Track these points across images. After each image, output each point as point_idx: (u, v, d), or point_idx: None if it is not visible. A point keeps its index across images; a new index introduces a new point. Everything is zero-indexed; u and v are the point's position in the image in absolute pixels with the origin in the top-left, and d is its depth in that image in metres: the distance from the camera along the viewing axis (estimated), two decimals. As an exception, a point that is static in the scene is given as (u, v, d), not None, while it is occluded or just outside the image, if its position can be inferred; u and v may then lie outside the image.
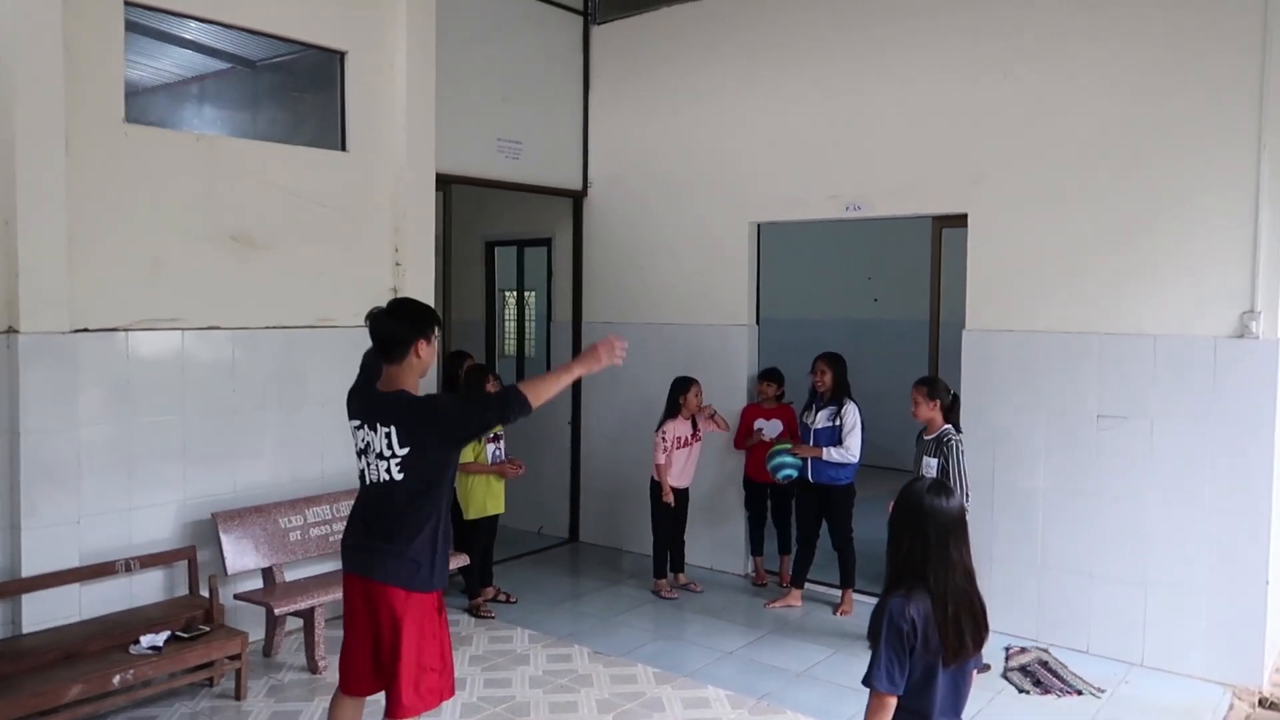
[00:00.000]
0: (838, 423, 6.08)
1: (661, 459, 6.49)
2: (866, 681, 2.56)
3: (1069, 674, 5.21)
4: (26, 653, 4.37)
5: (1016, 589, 5.71)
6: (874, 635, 2.60)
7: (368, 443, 3.45)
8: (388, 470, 3.38)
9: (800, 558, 6.36)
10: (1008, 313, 5.81)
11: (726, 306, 7.09)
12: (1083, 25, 5.51)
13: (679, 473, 6.59)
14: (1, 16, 4.38)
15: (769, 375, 6.85)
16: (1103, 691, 5.02)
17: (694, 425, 6.63)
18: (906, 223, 6.98)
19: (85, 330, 4.77)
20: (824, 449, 6.04)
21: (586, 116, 7.81)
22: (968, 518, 4.96)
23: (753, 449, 6.74)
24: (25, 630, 4.55)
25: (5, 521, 4.53)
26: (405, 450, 3.35)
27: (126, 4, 4.92)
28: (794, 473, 6.16)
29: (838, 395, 6.13)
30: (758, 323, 7.16)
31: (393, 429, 3.36)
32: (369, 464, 3.46)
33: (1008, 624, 5.66)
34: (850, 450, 6.03)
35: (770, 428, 6.67)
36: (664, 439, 6.49)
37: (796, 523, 6.46)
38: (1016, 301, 5.78)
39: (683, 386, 6.51)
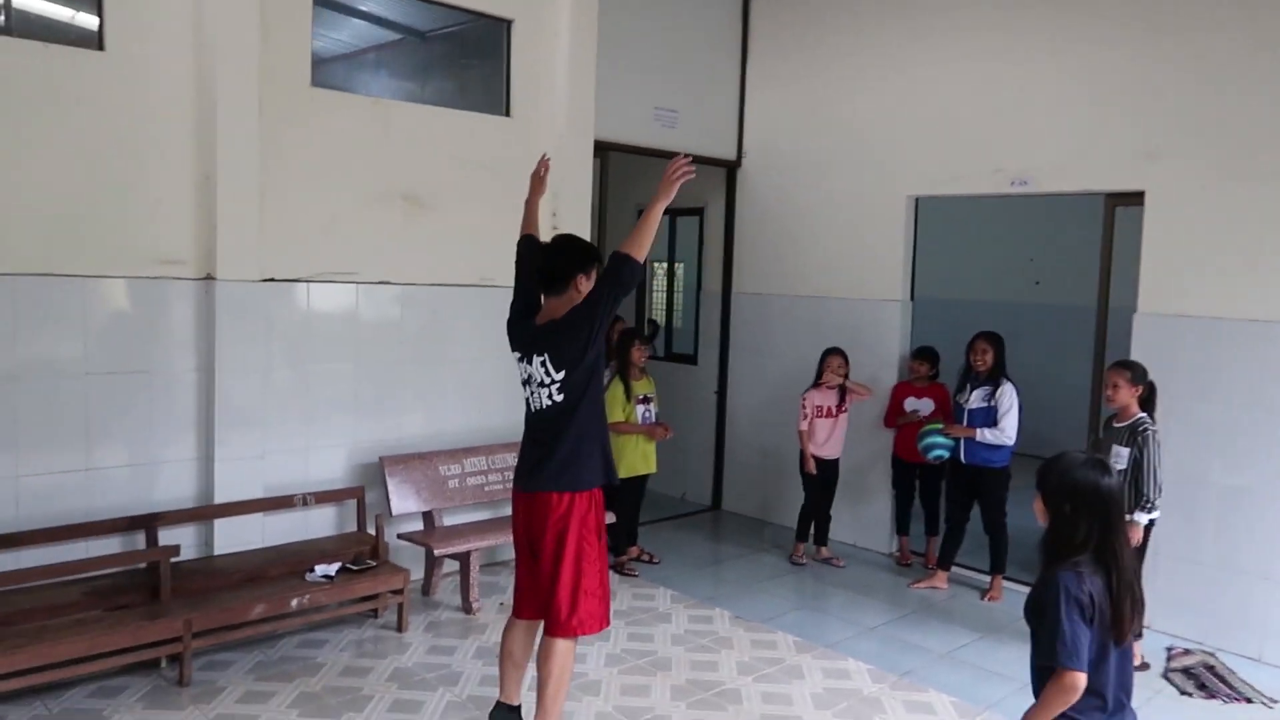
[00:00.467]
0: (993, 403, 5.88)
1: (803, 426, 6.52)
2: (1050, 660, 2.45)
3: (1237, 680, 4.90)
4: (217, 572, 4.80)
5: (1183, 588, 5.40)
6: (1041, 612, 2.51)
7: (529, 374, 3.64)
8: (549, 396, 3.58)
9: (948, 540, 6.21)
10: (1185, 298, 5.47)
11: (881, 282, 6.95)
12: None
13: (823, 443, 6.57)
14: (210, -11, 4.74)
15: (922, 353, 6.69)
16: (1275, 702, 4.71)
17: (840, 397, 6.56)
18: (1073, 202, 6.66)
19: (272, 280, 5.14)
20: (978, 430, 5.86)
21: (743, 87, 7.77)
22: (1157, 515, 4.72)
23: (902, 428, 6.61)
24: (216, 552, 4.98)
25: (202, 453, 4.96)
26: (560, 374, 3.53)
27: (318, -25, 5.24)
28: (945, 453, 6.01)
29: (995, 375, 5.93)
30: (912, 299, 6.98)
31: (547, 356, 3.55)
32: (532, 393, 3.65)
33: (1172, 624, 5.37)
34: (1006, 432, 5.83)
35: (923, 406, 6.53)
36: (804, 406, 6.52)
37: (946, 504, 6.30)
38: (1195, 286, 5.43)
39: (824, 356, 6.54)
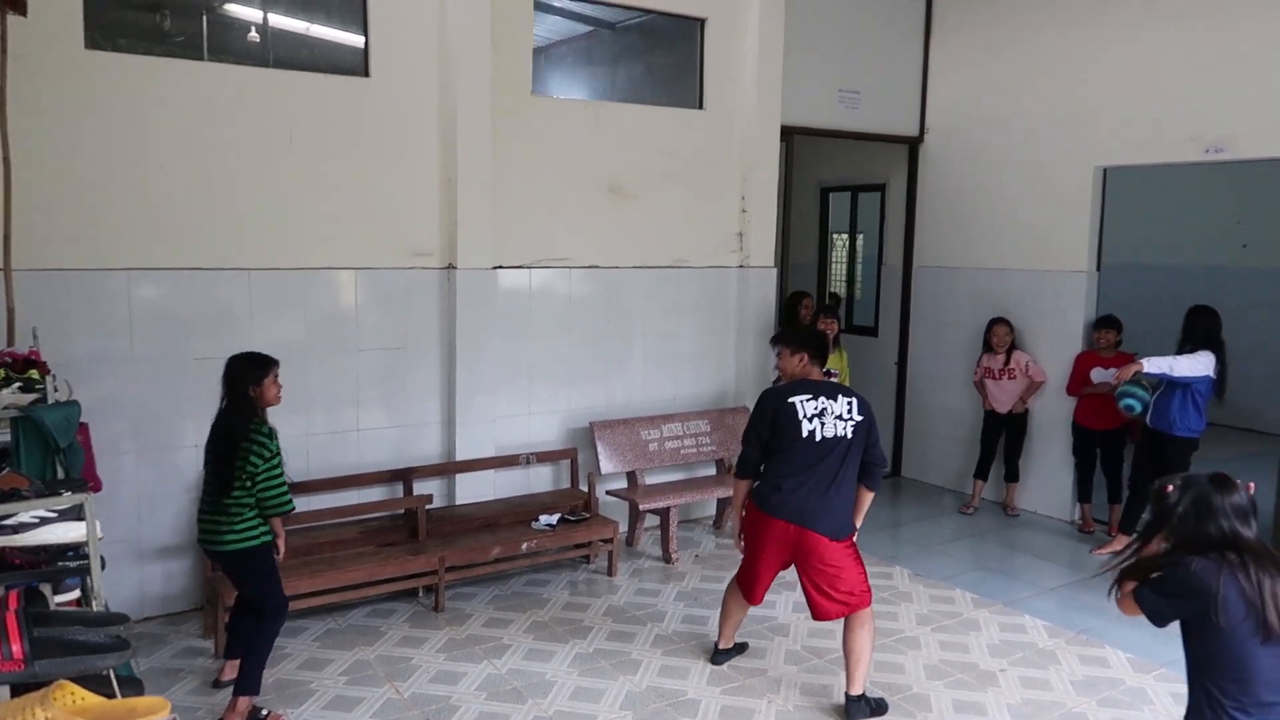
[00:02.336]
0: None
1: (975, 378, 7.39)
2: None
3: None
4: (460, 518, 5.65)
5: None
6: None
7: (824, 407, 4.19)
8: (844, 429, 4.16)
9: (1130, 505, 6.30)
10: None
11: (1065, 252, 7.03)
12: None
13: (993, 398, 7.16)
14: (448, 16, 5.49)
15: (1107, 322, 6.75)
16: None
17: (1006, 360, 7.06)
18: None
19: (501, 267, 5.91)
20: (1145, 359, 5.84)
21: (926, 63, 7.93)
22: None
23: (1086, 396, 6.73)
24: (458, 502, 5.84)
25: (445, 417, 5.82)
26: (860, 417, 4.20)
27: (536, -4, 5.93)
28: (1137, 404, 6.06)
29: (1204, 344, 5.90)
30: (1098, 269, 7.02)
31: (855, 400, 4.24)
32: (825, 424, 4.17)
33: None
34: (1176, 366, 5.77)
35: (1109, 376, 6.61)
36: (978, 365, 7.32)
37: (1131, 469, 6.39)
38: None
39: (989, 325, 7.19)
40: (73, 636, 1.56)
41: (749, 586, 4.42)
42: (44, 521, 2.00)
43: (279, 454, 3.95)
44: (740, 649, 4.78)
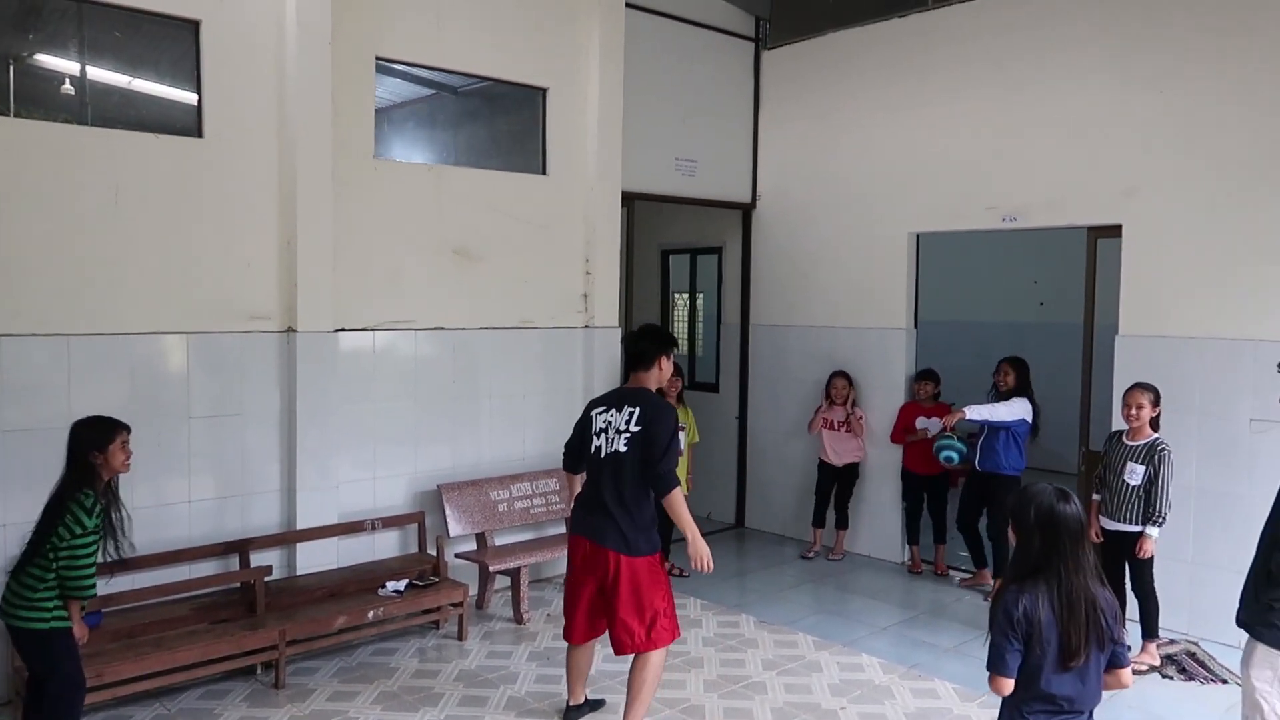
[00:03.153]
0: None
1: (811, 432, 7.72)
2: (988, 666, 2.88)
3: (1216, 665, 5.44)
4: (301, 589, 5.45)
5: (1169, 584, 5.89)
6: (990, 623, 2.91)
7: (609, 421, 4.29)
8: (618, 442, 4.23)
9: (972, 545, 6.82)
10: (1161, 319, 6.05)
11: (886, 311, 7.57)
12: (1235, 46, 5.71)
13: (828, 449, 7.50)
14: (287, 78, 5.45)
15: (926, 375, 7.31)
16: (1251, 684, 5.23)
17: (846, 416, 7.41)
18: (1068, 229, 7.23)
19: (343, 330, 5.83)
20: (967, 408, 6.37)
21: (756, 135, 8.44)
22: (1164, 526, 5.15)
23: (911, 444, 7.21)
24: (299, 572, 5.63)
25: (285, 484, 5.62)
26: (636, 428, 4.20)
27: (378, 60, 5.96)
28: (956, 455, 6.57)
29: (1017, 393, 6.49)
30: (916, 326, 7.59)
31: (637, 410, 4.24)
32: (607, 439, 4.28)
33: (1160, 618, 5.90)
34: (996, 412, 6.35)
35: (931, 425, 7.12)
36: (816, 414, 7.64)
37: (959, 511, 6.87)
38: (1170, 308, 6.00)
39: (830, 378, 7.57)
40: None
41: (568, 618, 4.47)
42: None
43: (94, 531, 3.70)
44: (594, 705, 4.78)
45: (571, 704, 4.69)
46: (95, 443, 3.76)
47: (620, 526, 4.22)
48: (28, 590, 3.68)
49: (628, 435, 4.22)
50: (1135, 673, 5.36)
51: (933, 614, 6.37)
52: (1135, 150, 6.15)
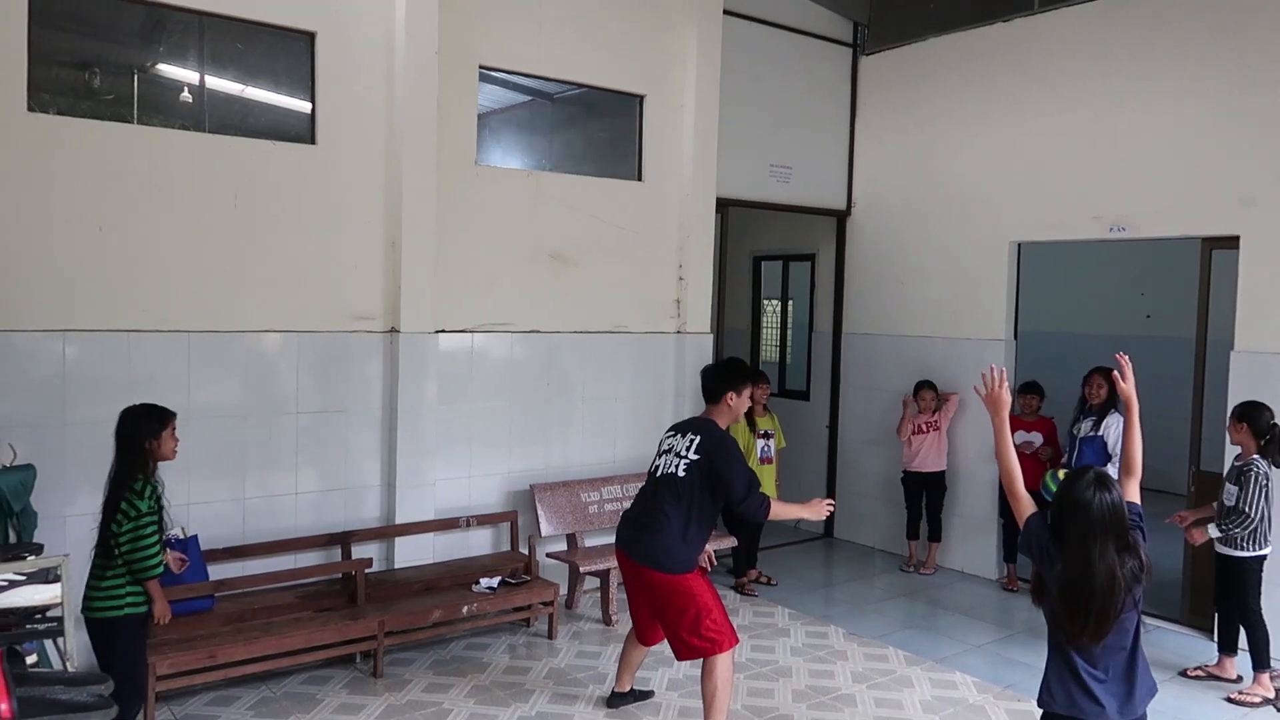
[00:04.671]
0: (1100, 432, 6.25)
1: (901, 438, 7.59)
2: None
3: (1337, 701, 5.15)
4: (399, 582, 5.61)
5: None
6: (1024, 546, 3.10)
7: (673, 445, 4.42)
8: (677, 466, 4.34)
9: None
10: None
11: (984, 321, 7.39)
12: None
13: (916, 457, 7.45)
14: (395, 87, 5.63)
15: (1030, 388, 7.11)
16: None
17: (934, 413, 7.39)
18: (1179, 240, 6.96)
19: (444, 331, 5.98)
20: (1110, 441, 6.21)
21: (852, 141, 8.36)
22: (1268, 550, 4.98)
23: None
24: (397, 565, 5.80)
25: (385, 480, 5.80)
26: (696, 456, 4.29)
27: (481, 68, 6.11)
28: (1047, 496, 6.38)
29: (1107, 408, 6.30)
30: (1016, 337, 7.40)
31: (698, 438, 4.34)
32: (667, 461, 4.40)
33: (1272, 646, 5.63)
34: (1110, 439, 6.18)
35: (1033, 439, 6.93)
36: (905, 421, 7.54)
37: None
38: (1291, 324, 5.73)
39: (916, 388, 7.49)
40: (56, 696, 1.58)
41: (633, 620, 4.69)
42: (11, 585, 2.00)
43: (151, 513, 3.85)
44: (640, 696, 4.95)
45: (616, 690, 4.91)
46: (150, 431, 3.94)
47: (648, 540, 4.35)
48: (100, 581, 3.84)
49: (687, 462, 4.33)
50: (1248, 705, 5.15)
51: (1029, 633, 6.19)
52: (1254, 158, 5.89)
